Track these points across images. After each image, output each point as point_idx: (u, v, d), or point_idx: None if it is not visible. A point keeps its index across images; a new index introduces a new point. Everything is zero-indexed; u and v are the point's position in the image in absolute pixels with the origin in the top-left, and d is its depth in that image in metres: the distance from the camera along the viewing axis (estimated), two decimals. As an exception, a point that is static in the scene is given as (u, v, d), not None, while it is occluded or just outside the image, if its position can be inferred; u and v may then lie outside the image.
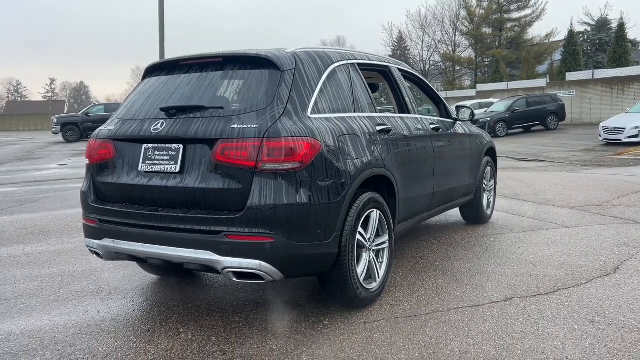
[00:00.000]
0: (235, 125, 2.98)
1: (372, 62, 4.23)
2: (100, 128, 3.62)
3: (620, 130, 17.16)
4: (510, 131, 23.86)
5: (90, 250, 3.56)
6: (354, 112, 3.65)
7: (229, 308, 3.64)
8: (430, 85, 5.23)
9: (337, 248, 3.19)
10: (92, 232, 3.48)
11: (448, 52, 49.77)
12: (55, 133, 27.82)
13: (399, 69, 4.59)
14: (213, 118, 3.08)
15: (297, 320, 3.38)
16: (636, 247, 4.84)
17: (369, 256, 3.53)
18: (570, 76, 29.57)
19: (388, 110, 4.99)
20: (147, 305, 3.78)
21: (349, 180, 3.24)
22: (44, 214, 7.29)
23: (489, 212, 6.03)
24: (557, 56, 38.90)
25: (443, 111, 5.25)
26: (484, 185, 5.85)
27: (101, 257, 3.51)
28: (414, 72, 4.99)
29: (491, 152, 6.08)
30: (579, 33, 38.84)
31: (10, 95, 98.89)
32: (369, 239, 3.53)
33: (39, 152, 21.18)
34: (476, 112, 25.46)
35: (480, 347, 2.93)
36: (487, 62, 46.83)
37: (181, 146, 3.14)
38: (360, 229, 3.40)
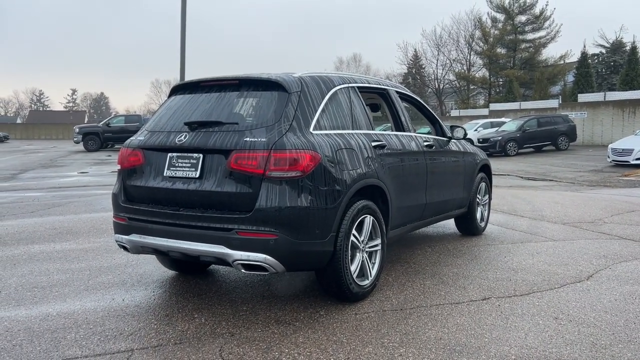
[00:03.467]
0: (248, 139, 3.50)
1: (371, 85, 4.74)
2: (131, 138, 4.16)
3: (628, 152, 17.45)
4: (520, 150, 24.19)
5: (119, 245, 4.08)
6: (352, 129, 4.15)
7: (238, 299, 4.13)
8: (426, 105, 5.72)
9: (333, 247, 3.67)
10: (121, 229, 4.01)
11: (462, 71, 50.30)
12: (77, 142, 28.73)
13: (397, 91, 5.10)
14: (229, 132, 3.60)
15: (296, 311, 3.86)
16: (613, 259, 5.26)
17: (362, 256, 4.01)
18: (582, 97, 29.89)
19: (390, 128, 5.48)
20: (166, 295, 4.28)
21: (344, 188, 3.73)
22: (71, 217, 7.86)
23: (482, 224, 6.47)
24: (571, 77, 39.22)
25: (438, 130, 5.73)
26: (477, 200, 6.30)
27: (128, 251, 4.03)
28: (410, 94, 5.49)
29: (486, 169, 6.54)
30: (594, 55, 39.21)
31: (33, 105, 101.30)
32: (362, 241, 4.01)
33: (61, 160, 21.98)
34: (487, 131, 26.04)
35: (453, 335, 3.38)
36: (500, 81, 47.26)
37: (201, 155, 3.66)
38: (354, 232, 3.88)
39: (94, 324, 3.66)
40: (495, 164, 19.35)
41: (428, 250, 5.65)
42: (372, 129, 4.42)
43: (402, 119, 4.94)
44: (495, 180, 14.13)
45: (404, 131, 4.91)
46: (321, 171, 3.59)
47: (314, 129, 3.74)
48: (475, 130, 27.48)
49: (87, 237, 6.44)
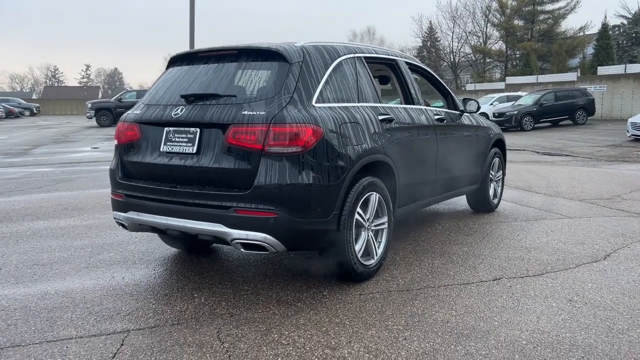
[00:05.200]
0: (246, 112, 3.33)
1: (379, 56, 4.52)
2: (127, 112, 4.01)
3: (648, 126, 16.97)
4: (537, 125, 23.71)
5: (117, 222, 3.97)
6: (358, 102, 3.95)
7: (240, 278, 4.01)
8: (438, 77, 5.48)
9: (336, 225, 3.52)
10: (119, 206, 3.89)
11: (479, 43, 49.33)
12: (90, 118, 28.75)
13: (406, 62, 4.87)
14: (226, 105, 3.43)
15: (299, 291, 3.73)
16: (632, 238, 5.05)
17: (368, 235, 3.85)
18: (602, 70, 29.15)
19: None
20: (167, 273, 4.18)
21: (349, 165, 3.56)
22: (78, 192, 7.80)
23: (495, 201, 6.27)
24: (590, 50, 38.25)
25: (450, 103, 5.50)
26: (490, 176, 6.08)
27: (126, 228, 3.92)
28: (422, 65, 5.26)
29: (500, 144, 6.31)
30: (614, 26, 38.11)
31: (47, 81, 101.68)
32: (368, 219, 3.84)
33: (74, 136, 22.01)
34: (503, 105, 25.56)
35: (461, 318, 3.23)
36: (517, 54, 46.28)
37: (198, 129, 3.50)
38: (359, 210, 3.71)
39: (91, 303, 3.57)
40: (511, 139, 18.97)
41: (438, 228, 5.48)
42: (380, 102, 4.22)
43: (412, 91, 4.72)
44: (510, 155, 13.83)
45: (414, 104, 4.70)
46: (324, 146, 3.41)
47: (316, 102, 3.55)
48: (491, 104, 26.97)
49: (92, 213, 6.36)
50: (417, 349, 2.86)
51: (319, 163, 3.38)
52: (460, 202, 6.66)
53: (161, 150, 3.65)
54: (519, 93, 28.56)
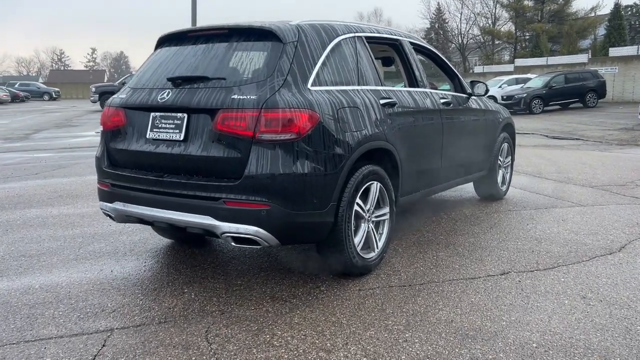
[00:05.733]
0: (236, 96, 3.09)
1: (381, 35, 4.25)
2: (113, 96, 3.79)
3: (661, 109, 16.57)
4: (546, 108, 23.30)
5: (104, 213, 3.77)
6: (358, 85, 3.70)
7: (233, 272, 3.81)
8: (445, 59, 5.20)
9: (334, 218, 3.30)
10: (105, 196, 3.68)
11: (487, 25, 48.53)
12: (94, 102, 28.54)
13: (411, 42, 4.59)
14: (215, 88, 3.19)
15: (295, 286, 3.52)
16: (648, 228, 4.80)
17: (368, 227, 3.63)
18: (614, 52, 28.56)
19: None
20: (158, 266, 3.98)
21: (347, 153, 3.32)
22: (74, 179, 7.61)
23: (503, 188, 6.02)
24: (602, 31, 37.49)
25: (457, 86, 5.23)
26: (499, 162, 5.83)
27: (113, 219, 3.72)
28: (427, 46, 4.98)
29: (509, 129, 6.04)
30: (627, 7, 37.30)
31: (54, 64, 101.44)
32: (368, 210, 3.62)
33: (77, 120, 21.85)
34: (512, 88, 25.11)
35: (466, 317, 3.02)
36: (527, 36, 45.49)
37: (185, 115, 3.27)
38: (358, 200, 3.49)
39: (76, 299, 3.39)
40: (520, 123, 18.61)
41: (443, 218, 5.25)
42: (382, 85, 3.96)
43: (417, 73, 4.46)
44: (519, 139, 13.48)
45: (418, 87, 4.43)
46: (320, 133, 3.18)
47: (312, 85, 3.31)
48: (500, 87, 26.52)
49: (87, 200, 6.17)
50: (418, 352, 2.66)
51: (315, 151, 3.14)
52: (468, 189, 6.42)
53: (147, 137, 3.43)
54: (528, 75, 28.05)
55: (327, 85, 3.42)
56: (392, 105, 3.89)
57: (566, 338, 2.76)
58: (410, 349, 2.69)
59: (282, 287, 3.52)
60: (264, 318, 3.07)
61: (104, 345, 2.80)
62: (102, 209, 3.75)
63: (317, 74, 3.38)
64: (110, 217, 3.72)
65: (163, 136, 3.34)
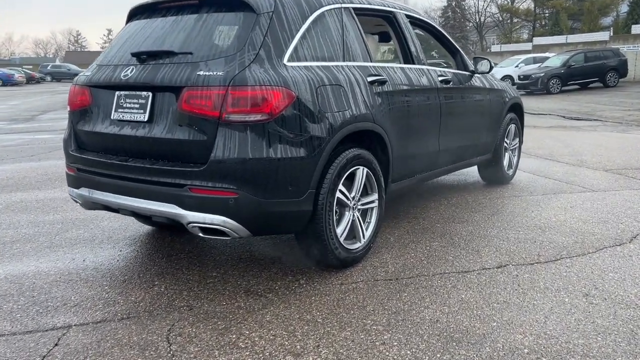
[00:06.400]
0: (201, 72, 2.81)
1: (372, 7, 3.90)
2: (80, 74, 3.53)
3: (684, 88, 15.89)
4: (564, 88, 22.57)
5: (72, 199, 3.54)
6: (343, 60, 3.39)
7: (210, 263, 3.57)
8: (445, 33, 4.84)
9: (312, 206, 3.02)
10: (71, 181, 3.46)
11: (506, 2, 47.28)
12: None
13: (407, 15, 4.24)
14: (181, 64, 2.92)
15: (273, 279, 3.27)
16: (663, 216, 4.45)
17: (353, 215, 3.35)
18: (636, 29, 27.56)
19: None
20: (133, 255, 3.76)
21: (327, 135, 3.03)
22: (68, 161, 7.41)
23: (510, 172, 5.68)
24: (624, 7, 36.25)
25: (459, 63, 4.88)
26: (505, 144, 5.48)
27: (82, 206, 3.49)
28: (425, 19, 4.63)
29: (517, 109, 5.68)
30: (651, -18, 35.84)
31: (70, 46, 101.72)
32: (353, 198, 3.34)
33: (87, 101, 21.70)
34: (530, 67, 24.42)
35: (454, 316, 2.74)
36: (546, 13, 44.24)
37: (150, 94, 3.00)
38: (341, 187, 3.21)
39: (39, 291, 3.18)
40: (536, 103, 18.07)
41: (443, 204, 4.94)
42: (371, 61, 3.64)
43: (412, 48, 4.12)
44: (533, 120, 13.06)
45: (414, 64, 4.10)
46: (295, 113, 2.89)
47: (289, 60, 3.01)
48: (516, 66, 25.84)
49: (75, 184, 5.96)
50: (395, 356, 2.39)
51: (290, 133, 2.86)
52: (473, 173, 6.08)
53: (112, 117, 3.17)
54: (547, 54, 27.24)
55: (306, 60, 3.12)
56: (381, 83, 3.58)
57: (562, 342, 2.47)
58: (387, 353, 2.42)
59: (259, 280, 3.27)
60: (233, 315, 2.83)
61: (56, 345, 2.58)
62: (70, 195, 3.53)
63: (295, 49, 3.08)
64: (78, 203, 3.49)
65: (127, 117, 3.08)
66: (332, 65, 3.27)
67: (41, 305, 3.00)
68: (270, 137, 2.79)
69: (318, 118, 2.99)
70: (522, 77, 22.94)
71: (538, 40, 34.92)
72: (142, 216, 3.17)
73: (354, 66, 3.42)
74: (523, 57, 27.25)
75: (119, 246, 3.94)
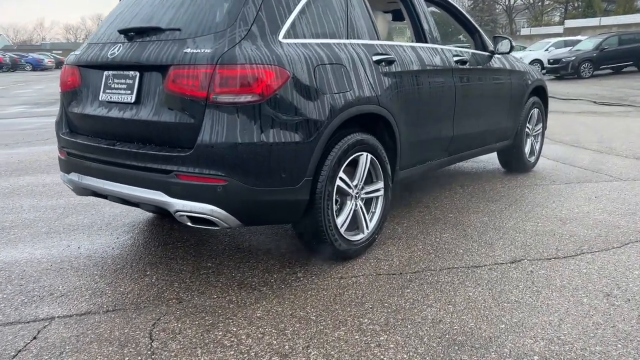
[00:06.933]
0: (189, 50, 2.62)
1: (381, -18, 3.65)
2: (71, 53, 3.38)
3: None
4: (596, 72, 21.77)
5: (65, 184, 3.41)
6: (347, 38, 3.16)
7: (206, 252, 3.40)
8: (463, 11, 4.54)
9: (308, 195, 2.82)
10: (62, 165, 3.32)
11: (537, -16, 45.83)
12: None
13: (420, -9, 3.97)
14: (168, 41, 2.73)
15: (269, 271, 3.09)
16: (697, 208, 4.11)
17: (356, 205, 3.14)
18: (675, 11, 26.35)
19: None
20: (129, 243, 3.62)
21: (326, 118, 2.81)
22: (80, 145, 7.35)
23: (532, 159, 5.37)
24: (663, -12, 34.80)
25: (478, 42, 4.58)
26: (527, 130, 5.18)
27: (74, 192, 3.35)
28: (440, -5, 4.34)
29: (540, 92, 5.35)
30: (692, -39, 34.33)
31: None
32: (356, 186, 3.12)
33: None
34: (560, 50, 23.63)
35: (458, 316, 2.51)
36: (580, -5, 42.77)
37: (137, 73, 2.82)
38: (342, 174, 2.99)
39: (27, 280, 3.06)
40: (565, 88, 17.46)
41: (458, 192, 4.68)
42: (378, 39, 3.40)
43: (425, 26, 3.85)
44: (562, 105, 12.57)
45: (427, 43, 3.84)
46: (290, 94, 2.67)
47: (285, 37, 2.79)
48: (546, 50, 25.05)
49: (83, 168, 5.88)
50: (390, 361, 2.18)
51: (284, 116, 2.65)
52: (492, 159, 5.79)
53: (100, 99, 3.01)
54: (578, 37, 26.33)
55: (304, 37, 2.89)
56: (389, 62, 3.33)
57: (577, 349, 2.23)
58: (382, 356, 2.22)
59: (255, 271, 3.09)
60: (223, 310, 2.66)
61: (34, 338, 2.45)
62: (62, 180, 3.39)
63: (293, 24, 2.86)
64: (70, 189, 3.36)
65: (115, 98, 2.91)
66: (334, 43, 3.04)
67: (27, 295, 2.87)
68: (262, 120, 2.59)
69: (315, 100, 2.77)
70: (551, 61, 22.22)
71: (570, 23, 33.80)
72: (132, 203, 3.01)
73: (358, 44, 3.19)
74: (553, 40, 26.40)
75: (116, 233, 3.81)
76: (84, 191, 3.21)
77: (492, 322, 2.45)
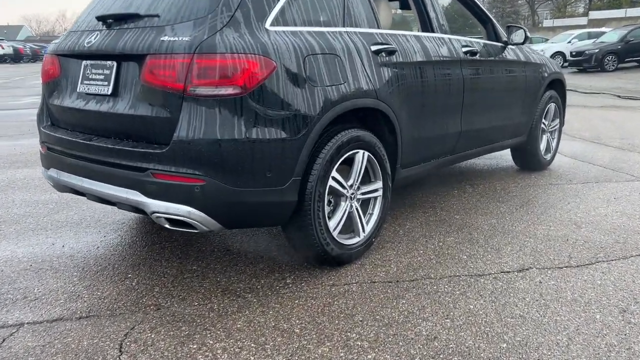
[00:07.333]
0: (166, 38, 2.41)
1: (384, -34, 3.40)
2: (53, 41, 3.20)
3: None
4: (621, 65, 21.11)
5: (47, 180, 3.25)
6: (343, 26, 2.92)
7: (193, 254, 3.21)
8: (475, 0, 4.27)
9: (297, 196, 2.60)
10: (43, 160, 3.16)
11: (561, -26, 44.77)
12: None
13: (427, -23, 3.71)
14: (146, 28, 2.52)
15: (257, 276, 2.89)
16: None
17: (351, 206, 2.92)
18: None
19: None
20: (115, 242, 3.45)
21: (316, 113, 2.59)
22: (84, 137, 7.23)
23: (547, 157, 5.09)
24: (692, -22, 33.68)
25: (491, 32, 4.31)
26: (542, 125, 4.89)
27: (55, 188, 3.19)
28: (450, -18, 4.07)
29: (557, 86, 5.05)
30: None
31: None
32: (351, 186, 2.90)
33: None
34: (583, 43, 23.00)
35: (456, 332, 2.29)
36: (605, -15, 41.64)
37: (115, 63, 2.63)
38: (335, 174, 2.77)
39: (3, 281, 2.91)
40: (588, 81, 16.94)
41: (467, 191, 4.42)
42: (378, 27, 3.16)
43: (431, 14, 3.60)
44: (584, 99, 12.14)
45: (433, 32, 3.58)
46: (276, 87, 2.45)
47: (272, 24, 2.57)
48: (569, 42, 24.41)
49: (82, 161, 5.74)
50: (376, 384, 1.97)
51: (269, 110, 2.43)
52: (506, 156, 5.51)
53: (78, 90, 2.83)
54: (603, 29, 25.60)
55: (295, 24, 2.67)
56: (390, 53, 3.09)
57: (587, 376, 1.99)
58: (367, 378, 2.00)
59: (242, 276, 2.89)
60: (202, 319, 2.47)
61: (-2, 347, 2.28)
62: (43, 175, 3.23)
63: (282, 10, 2.63)
64: (51, 185, 3.19)
65: (93, 89, 2.73)
66: (328, 31, 2.81)
67: (0, 298, 2.72)
68: (244, 114, 2.37)
69: (305, 93, 2.55)
70: (574, 53, 21.63)
71: (594, 15, 32.93)
72: (110, 202, 2.83)
73: (355, 33, 2.95)
74: (577, 32, 25.72)
75: (104, 231, 3.65)
76: (63, 188, 3.04)
77: (493, 341, 2.22)
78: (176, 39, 2.38)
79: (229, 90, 2.34)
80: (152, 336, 2.34)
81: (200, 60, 2.31)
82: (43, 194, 4.53)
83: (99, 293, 2.75)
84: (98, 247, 3.36)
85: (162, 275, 2.93)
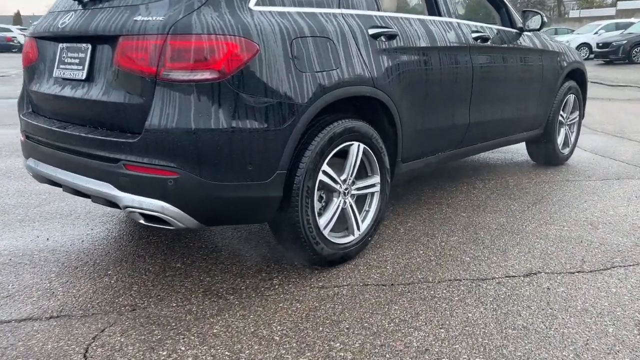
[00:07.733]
0: (139, 18, 2.22)
1: (386, -57, 3.16)
2: (33, 23, 3.04)
3: None
4: (650, 57, 20.44)
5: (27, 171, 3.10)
6: (338, 7, 2.70)
7: (179, 250, 3.04)
8: (487, -18, 4.00)
9: (282, 191, 2.40)
10: (23, 149, 3.01)
11: (589, -37, 43.59)
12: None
13: (435, -43, 3.45)
14: (120, 8, 2.34)
15: (242, 276, 2.70)
16: None
17: (344, 202, 2.71)
18: None
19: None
20: (101, 235, 3.30)
21: (304, 101, 2.38)
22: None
23: (565, 151, 4.80)
24: None
25: (505, 18, 4.04)
26: (560, 118, 4.61)
27: (35, 179, 3.04)
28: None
29: (577, 75, 4.76)
30: None
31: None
32: (344, 181, 2.69)
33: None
34: (611, 34, 22.30)
35: (450, 345, 2.07)
36: (635, -25, 40.38)
37: (89, 46, 2.45)
38: (325, 167, 2.56)
39: (-21, 276, 2.76)
40: (614, 73, 16.39)
41: (477, 187, 4.18)
42: (378, 10, 2.93)
43: (439, -3, 3.35)
44: (608, 91, 11.70)
45: (440, 16, 3.34)
46: (258, 71, 2.25)
47: (257, 4, 2.36)
48: (595, 33, 23.70)
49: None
50: (356, 403, 1.77)
51: (250, 97, 2.23)
52: (522, 150, 5.23)
53: (54, 75, 2.66)
54: (632, 20, 24.80)
55: (283, 4, 2.46)
56: (390, 37, 2.86)
57: (594, 400, 1.76)
58: (346, 396, 1.80)
59: (227, 276, 2.71)
60: (177, 322, 2.29)
61: (-43, 349, 2.13)
62: (24, 165, 3.08)
63: (269, -11, 2.42)
64: (31, 175, 3.04)
65: (68, 74, 2.56)
66: (320, 12, 2.59)
67: (-28, 294, 2.58)
68: (222, 101, 2.18)
69: (291, 79, 2.34)
70: (600, 44, 20.99)
71: (623, 5, 31.96)
72: (85, 195, 2.66)
73: (351, 15, 2.73)
74: (604, 22, 24.97)
75: (92, 224, 3.50)
76: (42, 179, 2.89)
77: (490, 356, 2.00)
78: (150, 18, 2.19)
79: (206, 75, 2.14)
80: (122, 340, 2.17)
81: (174, 41, 2.12)
82: (37, 185, 4.38)
83: (74, 291, 2.60)
84: (83, 241, 3.21)
85: (144, 273, 2.76)
